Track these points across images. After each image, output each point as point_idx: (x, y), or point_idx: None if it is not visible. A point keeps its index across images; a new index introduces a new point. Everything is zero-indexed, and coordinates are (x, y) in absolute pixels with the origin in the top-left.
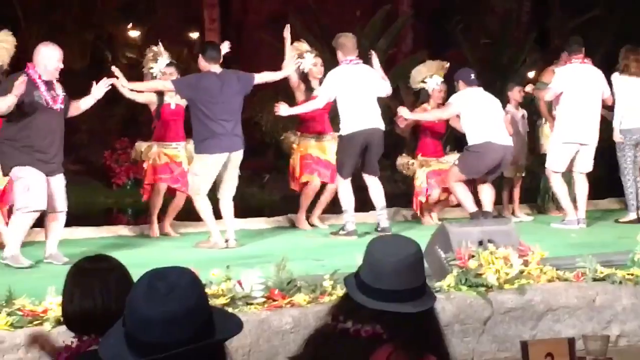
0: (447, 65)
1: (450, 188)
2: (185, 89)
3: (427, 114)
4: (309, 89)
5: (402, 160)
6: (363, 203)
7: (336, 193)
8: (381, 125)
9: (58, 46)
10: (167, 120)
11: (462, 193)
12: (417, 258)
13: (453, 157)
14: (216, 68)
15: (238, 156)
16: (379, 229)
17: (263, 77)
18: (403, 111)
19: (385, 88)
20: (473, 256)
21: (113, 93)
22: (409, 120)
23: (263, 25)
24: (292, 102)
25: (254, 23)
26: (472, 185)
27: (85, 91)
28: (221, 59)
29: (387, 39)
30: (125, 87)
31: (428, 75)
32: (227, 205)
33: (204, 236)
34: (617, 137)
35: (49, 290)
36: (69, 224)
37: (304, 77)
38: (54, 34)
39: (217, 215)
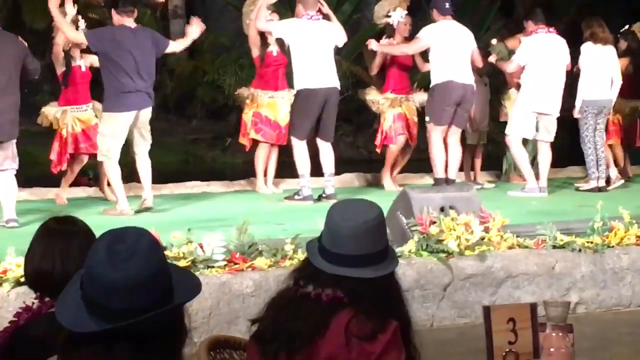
0: None
1: (429, 145)
2: (98, 41)
3: (395, 48)
4: (264, 45)
5: (372, 96)
6: (320, 167)
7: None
8: (338, 85)
9: (20, 5)
10: (78, 83)
11: (437, 154)
12: (377, 222)
13: (420, 96)
14: (130, 22)
15: (147, 114)
16: (324, 195)
17: (175, 47)
18: (371, 43)
19: (341, 37)
20: (434, 222)
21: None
22: (378, 55)
23: None
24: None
25: None
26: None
27: (47, 51)
28: (135, 14)
29: (351, 3)
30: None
31: (392, 9)
32: (143, 163)
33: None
34: (577, 112)
35: (8, 250)
36: (29, 184)
37: (261, 33)
38: None
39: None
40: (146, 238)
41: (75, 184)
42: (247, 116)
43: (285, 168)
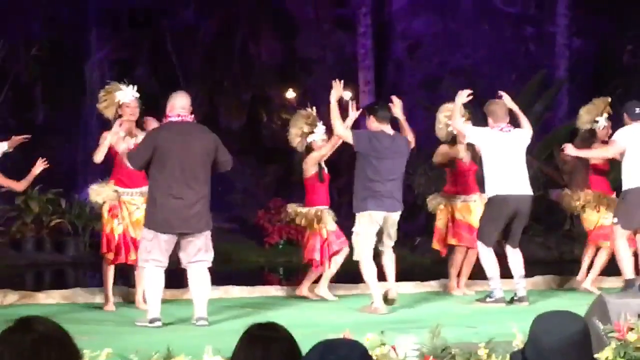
0: (610, 99)
1: (614, 247)
2: (360, 142)
3: (592, 152)
4: (455, 153)
5: (575, 199)
6: (509, 269)
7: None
8: (531, 192)
9: (216, 105)
10: (325, 185)
11: (624, 255)
12: (582, 337)
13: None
14: (388, 129)
15: (396, 216)
16: (516, 298)
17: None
18: (568, 148)
19: (529, 134)
20: (632, 329)
21: (267, 152)
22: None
23: (417, 87)
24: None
25: (409, 85)
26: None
27: (241, 149)
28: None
29: (542, 103)
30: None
31: (598, 114)
32: (387, 258)
33: (361, 299)
34: None
35: (206, 349)
36: (222, 282)
37: (453, 137)
38: (212, 94)
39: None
40: (357, 351)
41: (267, 282)
42: (441, 222)
43: (475, 270)
